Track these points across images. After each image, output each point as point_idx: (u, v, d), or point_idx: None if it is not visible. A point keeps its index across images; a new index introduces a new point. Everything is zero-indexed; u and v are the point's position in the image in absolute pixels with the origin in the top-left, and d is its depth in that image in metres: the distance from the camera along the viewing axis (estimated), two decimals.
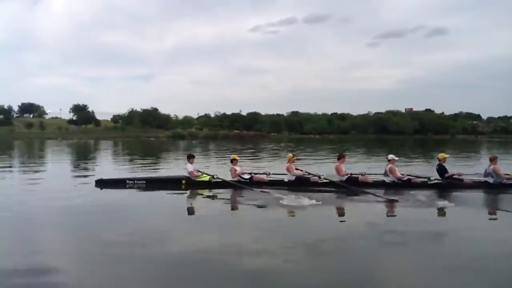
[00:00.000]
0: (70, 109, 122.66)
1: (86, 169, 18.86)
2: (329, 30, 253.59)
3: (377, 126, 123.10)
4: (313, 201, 8.59)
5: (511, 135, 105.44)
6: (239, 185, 10.73)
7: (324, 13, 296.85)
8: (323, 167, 15.74)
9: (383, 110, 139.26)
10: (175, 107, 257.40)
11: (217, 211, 8.50)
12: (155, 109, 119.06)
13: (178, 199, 10.05)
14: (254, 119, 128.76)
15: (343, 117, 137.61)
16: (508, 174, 10.70)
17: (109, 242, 5.92)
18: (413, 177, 11.13)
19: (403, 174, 11.14)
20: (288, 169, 11.23)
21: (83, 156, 30.55)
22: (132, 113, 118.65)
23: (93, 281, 4.54)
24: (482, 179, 10.89)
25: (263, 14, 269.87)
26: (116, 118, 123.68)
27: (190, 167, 11.37)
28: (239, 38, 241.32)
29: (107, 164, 21.31)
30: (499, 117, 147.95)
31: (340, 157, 11.46)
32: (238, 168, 11.57)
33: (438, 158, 11.27)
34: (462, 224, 7.23)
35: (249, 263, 5.00)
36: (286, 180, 11.27)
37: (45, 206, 8.78)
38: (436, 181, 10.84)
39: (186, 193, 10.68)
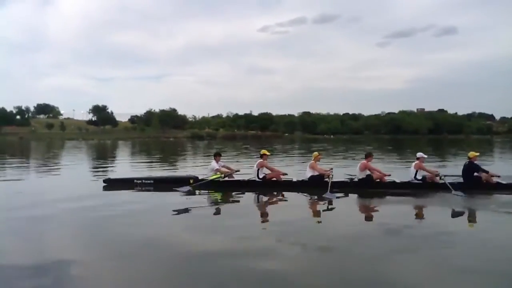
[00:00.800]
0: (90, 109, 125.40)
1: (109, 168, 19.49)
2: (338, 30, 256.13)
3: (390, 126, 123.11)
4: (326, 203, 8.82)
5: None
6: (251, 184, 10.79)
7: (333, 13, 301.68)
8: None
9: (393, 110, 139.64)
10: (185, 107, 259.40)
11: (226, 211, 8.50)
12: (174, 110, 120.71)
13: (184, 198, 9.72)
14: (268, 119, 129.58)
15: (355, 117, 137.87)
16: None
17: (114, 241, 5.93)
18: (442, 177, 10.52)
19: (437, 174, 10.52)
20: (312, 167, 10.86)
21: (110, 155, 31.61)
22: (150, 113, 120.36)
23: (97, 282, 4.49)
24: None
25: (272, 14, 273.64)
26: (133, 119, 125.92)
27: (215, 165, 11.24)
28: (248, 38, 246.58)
29: (136, 164, 21.38)
30: None
31: (368, 156, 11.06)
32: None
33: (468, 157, 10.91)
34: (483, 227, 6.94)
35: (257, 265, 4.84)
36: (307, 179, 10.79)
37: (53, 204, 8.88)
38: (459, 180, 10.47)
39: (193, 192, 10.39)
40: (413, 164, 10.81)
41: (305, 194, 10.21)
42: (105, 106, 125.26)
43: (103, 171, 17.20)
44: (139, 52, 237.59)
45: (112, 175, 12.88)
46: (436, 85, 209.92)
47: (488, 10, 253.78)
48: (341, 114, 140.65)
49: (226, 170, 11.41)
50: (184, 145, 51.98)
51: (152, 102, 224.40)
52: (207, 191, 10.49)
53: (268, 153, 11.42)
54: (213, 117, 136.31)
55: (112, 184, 11.29)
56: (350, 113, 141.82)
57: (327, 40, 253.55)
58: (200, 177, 11.19)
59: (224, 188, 10.83)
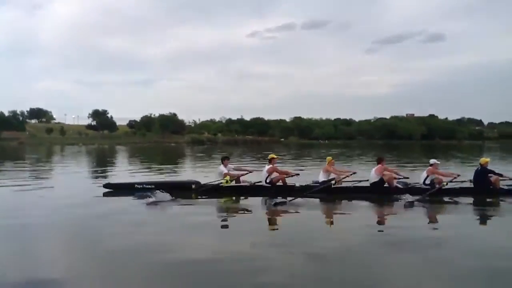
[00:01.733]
0: (89, 114, 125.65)
1: (111, 172, 19.66)
2: (328, 36, 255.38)
3: (383, 131, 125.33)
4: (338, 208, 9.36)
5: None
6: (261, 190, 10.63)
7: (323, 19, 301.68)
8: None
9: (382, 115, 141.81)
10: (176, 112, 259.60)
11: (227, 218, 8.38)
12: (174, 114, 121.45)
13: (186, 204, 9.61)
14: (264, 124, 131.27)
15: (348, 122, 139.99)
16: None
17: (111, 248, 5.85)
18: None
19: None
20: (327, 170, 10.95)
21: (112, 160, 31.80)
22: (149, 118, 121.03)
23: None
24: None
25: (261, 20, 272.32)
26: (131, 123, 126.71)
27: (223, 169, 11.22)
28: (237, 43, 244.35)
29: (142, 170, 20.82)
30: (500, 123, 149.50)
31: (380, 160, 11.24)
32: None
33: (480, 163, 11.04)
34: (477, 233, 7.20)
35: (252, 275, 4.78)
36: (319, 183, 10.73)
37: (50, 209, 8.89)
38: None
39: (196, 198, 10.41)
40: (426, 169, 10.98)
41: (314, 197, 10.05)
42: (106, 111, 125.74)
43: (103, 176, 17.34)
44: (129, 57, 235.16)
45: (113, 180, 13.10)
46: (423, 90, 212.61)
47: (474, 19, 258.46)
48: (333, 119, 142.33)
49: (238, 173, 11.44)
50: (186, 150, 52.18)
51: (142, 106, 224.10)
52: (209, 197, 10.42)
53: (276, 157, 11.33)
54: (212, 122, 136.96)
55: (112, 189, 11.23)
56: (341, 118, 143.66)
57: (316, 46, 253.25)
58: (202, 182, 11.24)
59: (230, 193, 10.69)
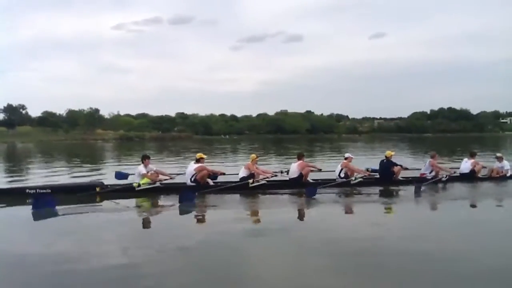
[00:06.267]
0: (1, 109, 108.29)
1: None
2: (193, 32, 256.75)
3: (272, 126, 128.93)
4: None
5: (387, 133, 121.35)
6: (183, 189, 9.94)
7: (188, 15, 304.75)
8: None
9: (249, 112, 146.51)
10: (30, 104, 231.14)
11: (130, 222, 7.91)
12: (97, 110, 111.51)
13: (88, 210, 8.80)
14: (172, 121, 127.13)
15: (235, 118, 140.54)
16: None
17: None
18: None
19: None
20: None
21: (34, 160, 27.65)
22: (72, 112, 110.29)
23: None
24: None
25: (127, 12, 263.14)
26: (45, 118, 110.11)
27: (142, 169, 10.43)
28: (101, 35, 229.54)
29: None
30: (363, 118, 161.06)
31: (300, 156, 11.78)
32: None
33: (385, 156, 12.37)
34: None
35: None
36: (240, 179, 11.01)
37: None
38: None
39: (100, 203, 9.56)
40: (341, 162, 11.99)
41: (238, 193, 10.42)
42: (23, 105, 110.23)
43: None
44: None
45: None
46: (285, 87, 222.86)
47: (328, 20, 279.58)
48: (217, 115, 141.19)
49: (158, 176, 10.68)
50: (118, 149, 46.31)
51: None
52: (116, 200, 9.68)
53: (204, 156, 11.27)
54: (131, 117, 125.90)
55: None
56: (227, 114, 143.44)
57: (182, 41, 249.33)
58: (106, 183, 10.67)
59: (142, 194, 10.10)
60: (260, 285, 4.68)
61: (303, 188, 10.26)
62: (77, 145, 60.10)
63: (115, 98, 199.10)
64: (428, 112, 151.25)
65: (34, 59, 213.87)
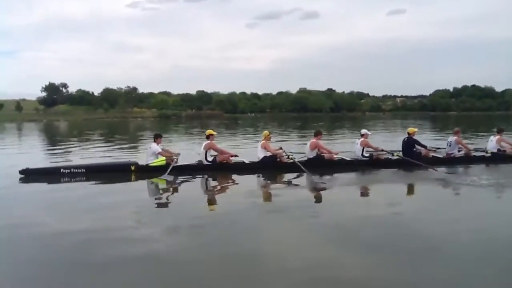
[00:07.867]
0: (43, 87, 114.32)
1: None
2: (209, 9, 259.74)
3: (296, 105, 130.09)
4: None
5: (410, 112, 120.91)
6: (207, 169, 10.28)
7: None
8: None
9: (267, 91, 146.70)
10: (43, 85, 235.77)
11: (171, 199, 8.21)
12: (135, 88, 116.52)
13: (124, 188, 8.99)
14: (208, 96, 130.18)
15: (257, 96, 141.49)
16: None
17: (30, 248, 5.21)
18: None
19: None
20: (264, 147, 10.73)
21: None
22: (109, 90, 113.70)
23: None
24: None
25: None
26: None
27: (157, 148, 10.39)
28: (115, 13, 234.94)
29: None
30: (383, 96, 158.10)
31: (317, 134, 11.17)
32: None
33: (408, 132, 11.61)
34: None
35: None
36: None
37: None
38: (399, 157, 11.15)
39: (135, 181, 9.71)
40: (359, 141, 11.24)
41: (259, 175, 10.22)
42: (65, 84, 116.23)
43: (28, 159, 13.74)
44: None
45: (36, 164, 10.85)
46: (302, 65, 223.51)
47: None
48: (238, 93, 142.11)
49: (168, 154, 10.55)
50: (163, 126, 47.09)
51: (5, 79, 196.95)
52: (148, 179, 9.75)
53: (214, 133, 10.81)
54: (167, 95, 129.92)
55: (31, 176, 9.68)
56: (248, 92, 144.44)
57: (197, 19, 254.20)
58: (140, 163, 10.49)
59: (172, 173, 9.76)
60: (275, 261, 4.71)
61: (319, 168, 10.13)
62: (118, 123, 63.16)
63: (130, 76, 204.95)
64: (451, 90, 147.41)
65: (48, 40, 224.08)
